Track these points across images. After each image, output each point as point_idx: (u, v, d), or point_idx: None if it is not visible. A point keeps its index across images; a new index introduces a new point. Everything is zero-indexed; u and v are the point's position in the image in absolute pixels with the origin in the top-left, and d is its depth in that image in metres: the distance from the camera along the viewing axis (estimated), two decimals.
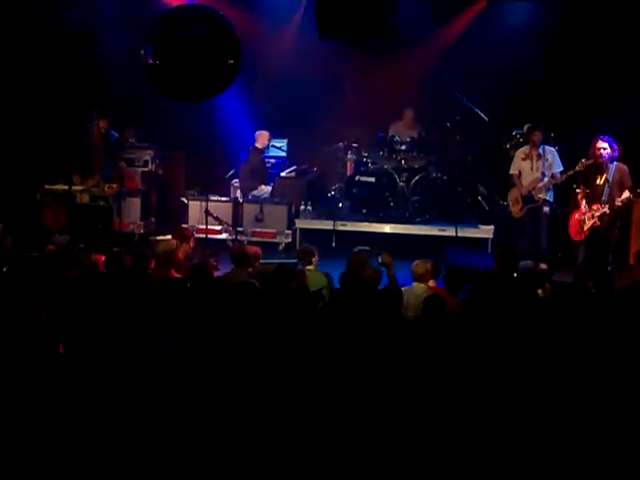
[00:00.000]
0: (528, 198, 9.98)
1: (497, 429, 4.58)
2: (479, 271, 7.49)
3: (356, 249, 10.96)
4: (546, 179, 9.87)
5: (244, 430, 4.52)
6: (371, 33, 10.80)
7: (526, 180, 10.03)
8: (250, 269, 7.64)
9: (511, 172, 10.20)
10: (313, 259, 7.81)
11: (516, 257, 8.09)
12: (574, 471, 4.40)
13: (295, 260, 9.25)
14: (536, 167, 9.95)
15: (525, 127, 11.30)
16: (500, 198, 11.43)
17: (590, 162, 9.22)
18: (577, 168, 9.41)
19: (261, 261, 8.10)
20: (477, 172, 11.98)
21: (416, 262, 7.34)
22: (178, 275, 7.32)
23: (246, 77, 9.39)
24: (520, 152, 10.17)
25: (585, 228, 9.22)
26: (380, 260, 7.24)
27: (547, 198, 9.96)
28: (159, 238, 9.92)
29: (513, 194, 10.18)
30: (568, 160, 9.88)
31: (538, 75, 11.47)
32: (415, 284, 7.19)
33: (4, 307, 5.81)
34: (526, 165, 10.04)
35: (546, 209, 9.94)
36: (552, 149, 10.00)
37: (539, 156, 9.93)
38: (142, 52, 7.72)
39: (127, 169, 11.57)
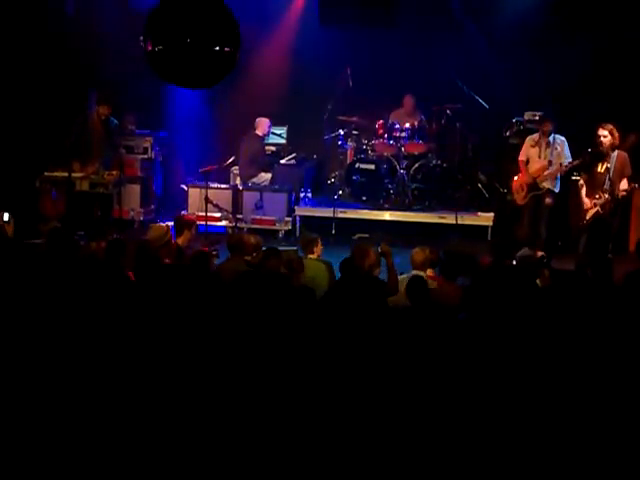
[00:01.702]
0: (532, 185, 9.96)
1: (498, 419, 4.59)
2: (477, 259, 7.46)
3: (356, 236, 11.01)
4: (552, 167, 9.85)
5: (245, 422, 4.51)
6: (375, 23, 10.84)
7: (532, 167, 10.00)
8: (248, 257, 7.60)
9: (519, 158, 10.17)
10: (315, 248, 7.77)
11: (512, 245, 8.07)
12: (573, 461, 4.40)
13: (295, 248, 9.26)
14: (544, 155, 9.91)
15: (525, 114, 11.30)
16: (500, 185, 11.43)
17: (592, 150, 9.21)
18: (582, 159, 9.39)
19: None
20: (477, 159, 11.97)
21: (416, 250, 7.34)
22: (169, 261, 7.27)
23: (245, 64, 9.39)
24: (529, 139, 10.13)
25: (587, 216, 9.20)
26: (379, 249, 7.25)
27: (552, 188, 9.93)
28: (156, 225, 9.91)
29: (518, 181, 10.15)
30: (570, 149, 9.84)
31: (540, 62, 11.44)
32: (414, 272, 7.19)
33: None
34: (534, 152, 10.00)
35: (549, 200, 9.91)
36: (563, 139, 9.89)
37: (548, 144, 9.88)
38: (141, 39, 7.70)
39: (127, 156, 11.57)
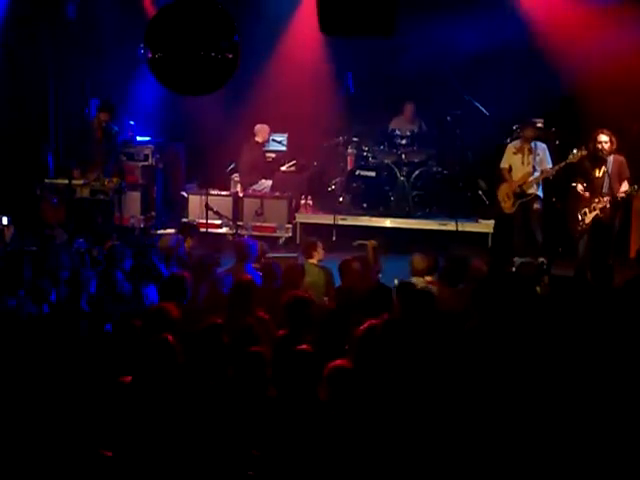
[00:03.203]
0: (519, 193, 9.99)
1: (497, 424, 4.58)
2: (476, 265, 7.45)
3: (356, 243, 10.99)
4: (537, 173, 9.89)
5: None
6: (375, 31, 10.77)
7: (516, 175, 10.05)
8: (255, 265, 7.62)
9: (501, 166, 10.21)
10: (315, 252, 7.79)
11: (511, 252, 8.05)
12: (573, 469, 4.40)
13: (296, 254, 9.27)
14: (527, 161, 9.97)
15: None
16: None
17: (585, 154, 9.22)
18: (570, 159, 9.41)
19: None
20: (477, 166, 11.96)
21: (416, 257, 7.33)
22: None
23: (246, 71, 9.39)
24: (511, 146, 10.20)
25: (587, 220, 9.21)
26: (368, 245, 7.28)
27: (537, 193, 9.97)
28: (161, 232, 9.95)
29: (503, 190, 10.18)
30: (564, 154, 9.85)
31: (539, 69, 11.44)
32: (414, 278, 7.17)
33: None
34: (517, 159, 10.05)
35: (537, 206, 9.95)
36: (543, 145, 10.03)
37: (530, 150, 9.95)
38: (142, 46, 7.73)
39: (127, 163, 11.57)
